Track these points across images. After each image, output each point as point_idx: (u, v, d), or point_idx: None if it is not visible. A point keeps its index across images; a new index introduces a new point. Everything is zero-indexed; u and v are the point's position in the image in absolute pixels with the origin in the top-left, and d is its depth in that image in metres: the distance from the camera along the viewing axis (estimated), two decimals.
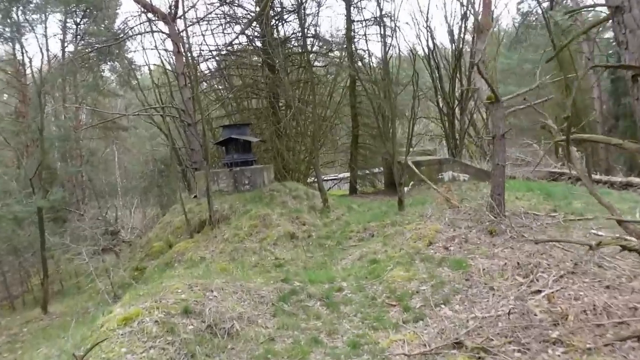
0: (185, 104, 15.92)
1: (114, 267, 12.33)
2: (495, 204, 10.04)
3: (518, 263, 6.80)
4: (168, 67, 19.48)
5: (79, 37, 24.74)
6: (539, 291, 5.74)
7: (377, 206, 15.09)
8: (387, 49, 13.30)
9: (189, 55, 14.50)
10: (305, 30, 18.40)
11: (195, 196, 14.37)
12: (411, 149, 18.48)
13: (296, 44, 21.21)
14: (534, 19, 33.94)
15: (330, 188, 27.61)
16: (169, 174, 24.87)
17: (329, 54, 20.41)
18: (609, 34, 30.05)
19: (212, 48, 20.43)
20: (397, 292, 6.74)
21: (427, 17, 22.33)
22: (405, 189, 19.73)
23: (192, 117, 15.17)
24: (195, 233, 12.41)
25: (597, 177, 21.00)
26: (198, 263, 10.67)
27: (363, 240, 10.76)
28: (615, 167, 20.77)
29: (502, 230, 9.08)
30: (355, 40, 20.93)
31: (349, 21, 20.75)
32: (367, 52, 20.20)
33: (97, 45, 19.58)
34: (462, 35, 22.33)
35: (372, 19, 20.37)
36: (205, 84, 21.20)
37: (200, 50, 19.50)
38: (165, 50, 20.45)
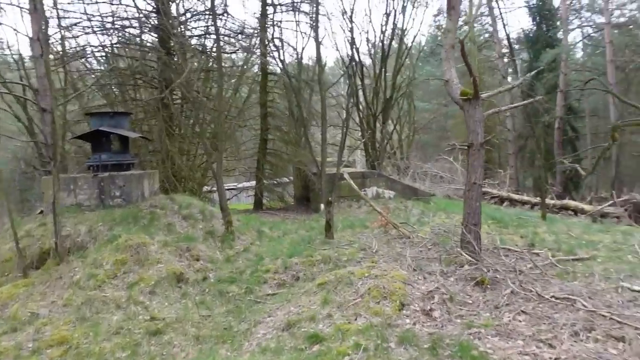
0: (39, 81, 11.57)
1: None
2: (472, 238, 7.26)
3: None
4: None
5: None
6: None
7: (294, 229, 11.85)
8: (317, 33, 10.16)
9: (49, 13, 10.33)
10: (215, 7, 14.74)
11: (41, 212, 10.11)
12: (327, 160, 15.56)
13: (198, 25, 17.50)
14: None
15: (229, 199, 23.82)
16: (32, 175, 19.75)
17: (239, 37, 16.84)
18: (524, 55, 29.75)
19: (95, 20, 15.93)
20: None
21: (351, 10, 19.45)
22: (322, 205, 16.73)
23: (38, 98, 10.89)
24: (32, 270, 8.30)
25: (518, 196, 19.59)
26: (25, 324, 6.69)
27: (285, 287, 7.44)
28: (549, 187, 19.47)
29: (495, 279, 6.26)
30: (271, 28, 17.64)
31: (264, 5, 17.46)
32: (282, 41, 16.82)
33: None
34: (387, 34, 19.93)
35: (290, 3, 17.25)
36: (84, 65, 16.73)
37: (60, 17, 14.97)
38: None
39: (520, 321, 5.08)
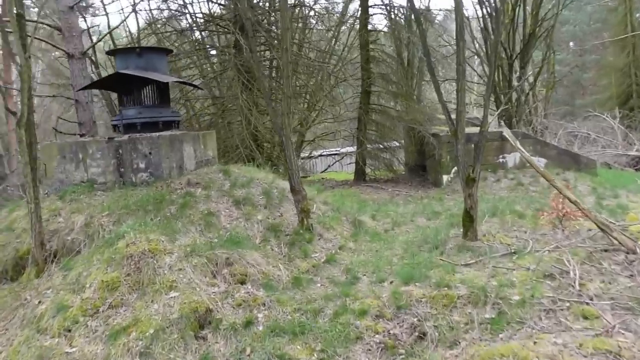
0: (62, 18, 8.78)
1: None
2: None
3: None
4: None
5: None
6: None
7: (410, 215, 7.98)
8: None
9: None
10: None
11: (46, 193, 7.23)
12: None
13: None
14: None
15: (328, 167, 20.40)
16: None
17: None
18: None
19: None
20: None
21: None
22: (445, 177, 12.67)
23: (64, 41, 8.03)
24: (3, 282, 5.44)
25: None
26: None
27: (397, 355, 3.71)
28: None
29: None
30: None
31: None
32: None
33: None
34: None
35: None
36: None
37: None
38: None
39: None
